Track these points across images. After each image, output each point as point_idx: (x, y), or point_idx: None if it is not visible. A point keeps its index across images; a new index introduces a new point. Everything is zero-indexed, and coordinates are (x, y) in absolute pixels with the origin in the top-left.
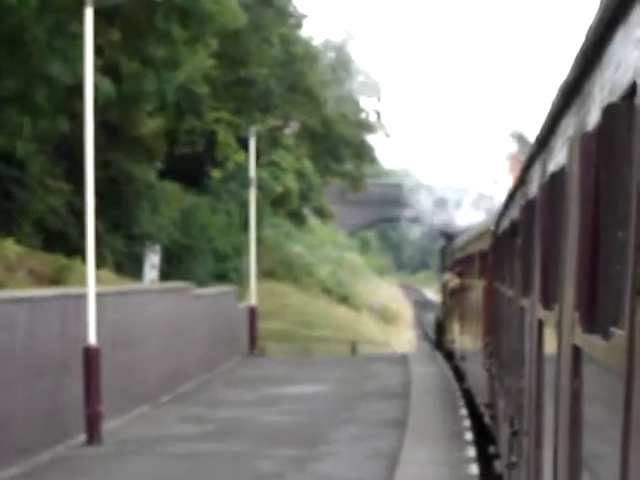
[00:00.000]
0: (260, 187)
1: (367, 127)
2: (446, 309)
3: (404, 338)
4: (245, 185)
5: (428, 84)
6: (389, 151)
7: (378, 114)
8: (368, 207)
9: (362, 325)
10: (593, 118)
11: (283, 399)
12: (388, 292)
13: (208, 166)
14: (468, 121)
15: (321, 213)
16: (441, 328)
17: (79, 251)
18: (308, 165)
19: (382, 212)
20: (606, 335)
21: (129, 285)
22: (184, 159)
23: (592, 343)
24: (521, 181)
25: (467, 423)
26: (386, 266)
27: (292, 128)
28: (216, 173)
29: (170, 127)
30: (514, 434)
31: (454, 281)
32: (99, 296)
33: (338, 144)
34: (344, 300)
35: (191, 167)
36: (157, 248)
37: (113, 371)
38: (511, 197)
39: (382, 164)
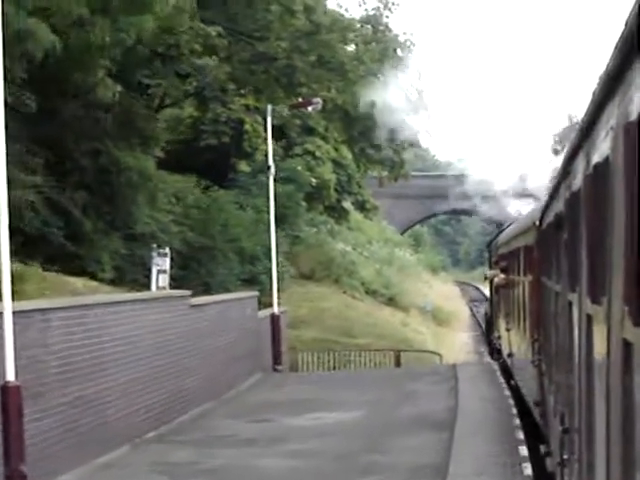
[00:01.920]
0: (293, 180)
1: (407, 106)
2: (492, 305)
3: (458, 342)
4: (278, 178)
5: (471, 70)
6: (437, 140)
7: (419, 93)
8: (419, 201)
9: (410, 329)
10: (636, 107)
11: (295, 433)
12: (442, 290)
13: (234, 158)
14: (516, 108)
15: (363, 207)
16: (490, 325)
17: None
18: (346, 154)
19: (434, 206)
20: None
21: (100, 296)
22: (209, 151)
23: None
24: (564, 173)
25: (529, 471)
26: (441, 263)
27: (315, 105)
28: (244, 166)
29: (192, 116)
30: (565, 431)
31: (499, 277)
32: (48, 312)
33: (374, 126)
34: (391, 301)
35: (217, 159)
36: (166, 250)
37: (67, 410)
38: (555, 190)
39: (431, 153)
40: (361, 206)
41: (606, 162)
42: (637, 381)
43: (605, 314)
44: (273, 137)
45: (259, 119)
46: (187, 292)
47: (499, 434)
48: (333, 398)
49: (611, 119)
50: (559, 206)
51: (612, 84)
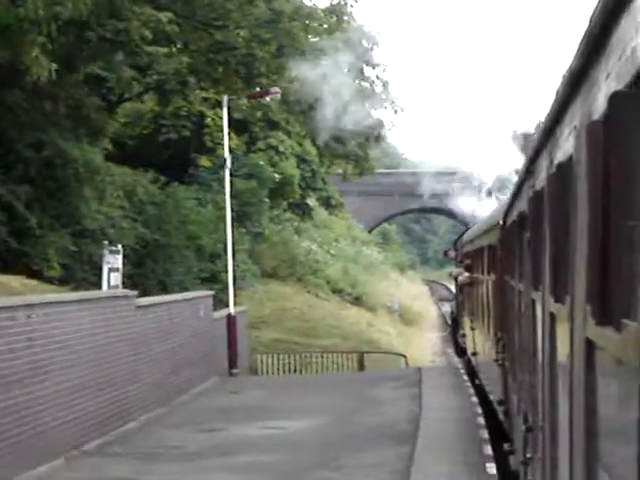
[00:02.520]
0: (255, 175)
1: (372, 99)
2: (458, 304)
3: (426, 342)
4: (240, 174)
5: (437, 68)
6: (405, 138)
7: (385, 84)
8: (387, 199)
9: (376, 330)
10: (599, 106)
11: (245, 445)
12: (410, 289)
13: (195, 153)
14: (475, 107)
15: (328, 203)
16: (456, 323)
17: None
18: (311, 149)
19: (403, 204)
20: (619, 327)
21: (33, 296)
22: (170, 146)
23: (605, 336)
24: (528, 172)
25: None
26: (409, 261)
27: (274, 95)
28: (204, 161)
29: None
30: (528, 430)
31: (464, 275)
32: None
33: (340, 119)
34: (357, 301)
35: (178, 155)
36: (119, 247)
37: None
38: (518, 189)
39: (400, 151)
40: (326, 203)
41: (569, 161)
42: (599, 380)
43: (568, 313)
44: (235, 131)
45: (220, 112)
46: (133, 292)
47: (463, 450)
48: (290, 405)
49: (574, 118)
50: (522, 205)
51: (576, 83)
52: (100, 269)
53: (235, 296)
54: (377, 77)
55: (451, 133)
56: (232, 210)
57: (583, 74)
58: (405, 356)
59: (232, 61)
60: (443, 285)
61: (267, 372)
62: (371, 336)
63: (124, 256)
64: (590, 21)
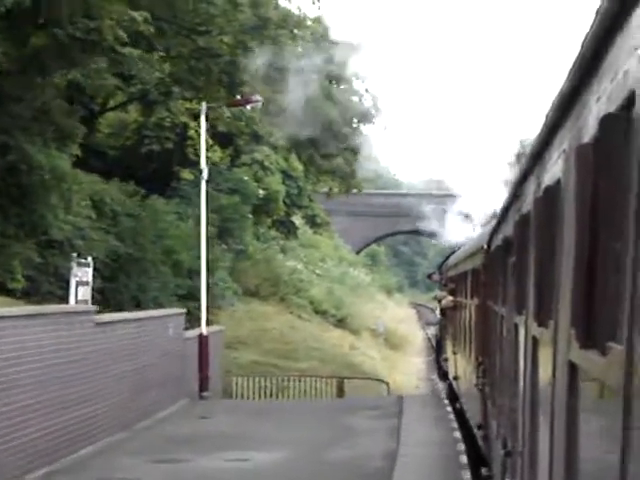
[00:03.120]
0: (239, 190)
1: (361, 114)
2: (440, 327)
3: (410, 367)
4: (222, 189)
5: (424, 86)
6: (396, 160)
7: (374, 99)
8: (376, 220)
9: (359, 353)
10: (590, 129)
11: None
12: (396, 313)
13: (178, 166)
14: (471, 130)
15: (314, 222)
16: (440, 347)
17: None
18: (297, 166)
19: (392, 225)
20: (604, 350)
21: None
22: (152, 158)
23: (589, 359)
24: (514, 196)
25: None
26: (396, 284)
27: (255, 104)
28: (187, 174)
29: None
30: (507, 454)
31: (447, 299)
32: None
33: (324, 132)
34: (341, 323)
35: (160, 167)
36: (88, 260)
37: None
38: (504, 213)
39: (391, 172)
40: (311, 221)
41: (557, 185)
42: (582, 403)
43: (551, 337)
44: (219, 144)
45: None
46: (92, 307)
47: None
48: (260, 434)
49: (564, 142)
50: (508, 229)
51: (566, 106)
52: (67, 282)
53: (214, 315)
54: (366, 91)
55: (444, 154)
56: (213, 225)
57: (574, 97)
58: (387, 382)
59: (215, 69)
60: (430, 309)
61: (242, 395)
62: (353, 360)
63: (94, 269)
64: (582, 45)
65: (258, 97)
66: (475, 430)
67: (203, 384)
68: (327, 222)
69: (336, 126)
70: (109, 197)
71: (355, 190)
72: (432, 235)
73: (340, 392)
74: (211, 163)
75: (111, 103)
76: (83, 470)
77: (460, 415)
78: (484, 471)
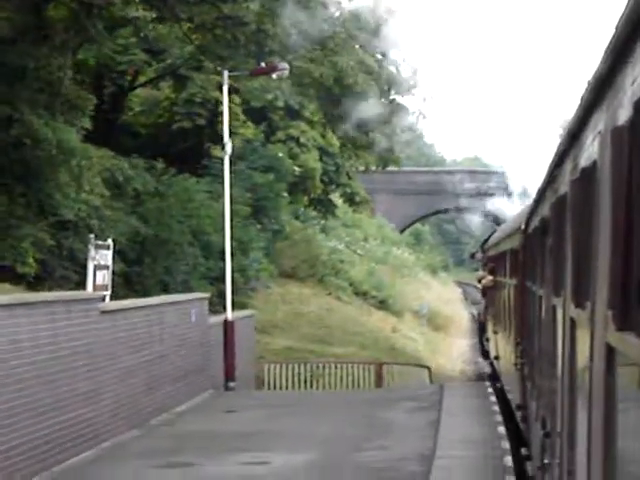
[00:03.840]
0: (273, 168)
1: (397, 84)
2: (482, 307)
3: (455, 349)
4: (256, 167)
5: (471, 61)
6: (440, 136)
7: (414, 71)
8: (420, 198)
9: (401, 336)
10: (625, 112)
11: None
12: (441, 293)
13: (210, 143)
14: (515, 106)
15: (353, 200)
16: (482, 326)
17: None
18: (335, 142)
19: (436, 203)
20: None
21: None
22: (183, 135)
23: (626, 341)
24: (551, 177)
25: None
26: (441, 263)
27: (281, 72)
28: (219, 151)
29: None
30: (546, 435)
31: (487, 278)
32: None
33: (359, 104)
34: (382, 304)
35: (192, 144)
36: (108, 242)
37: None
38: (541, 194)
39: (436, 150)
40: (350, 199)
41: (593, 166)
42: (619, 386)
43: (589, 318)
44: (253, 120)
45: (237, 99)
46: (98, 294)
47: None
48: (285, 430)
49: (599, 123)
50: (545, 210)
51: (601, 88)
52: (84, 266)
53: (248, 298)
54: (404, 60)
55: (490, 131)
56: (247, 205)
57: (609, 79)
58: (429, 368)
59: (241, 38)
60: (476, 288)
61: (274, 385)
62: (395, 343)
63: (116, 252)
64: (616, 26)
65: (285, 65)
66: (514, 410)
67: (229, 374)
68: (367, 200)
69: (372, 96)
70: (120, 173)
71: (393, 166)
72: (476, 212)
73: (378, 379)
74: (245, 140)
75: (141, 80)
76: (77, 478)
77: (502, 393)
78: (524, 451)
